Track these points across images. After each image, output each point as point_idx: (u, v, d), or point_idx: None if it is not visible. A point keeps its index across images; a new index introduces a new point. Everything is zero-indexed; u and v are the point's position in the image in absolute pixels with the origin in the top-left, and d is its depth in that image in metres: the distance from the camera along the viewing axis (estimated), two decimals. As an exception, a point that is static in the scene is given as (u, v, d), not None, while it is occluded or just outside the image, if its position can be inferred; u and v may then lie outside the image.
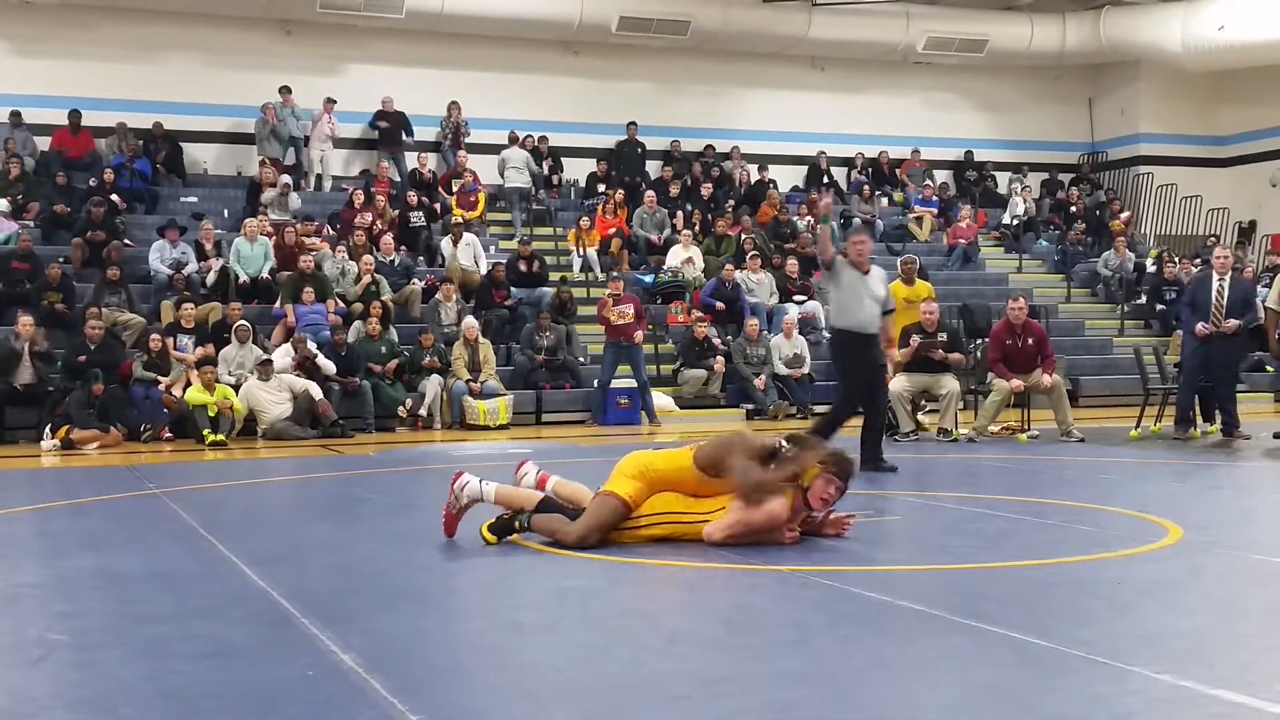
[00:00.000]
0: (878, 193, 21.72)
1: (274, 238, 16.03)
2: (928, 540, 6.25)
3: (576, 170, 20.81)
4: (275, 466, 10.90)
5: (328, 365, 13.74)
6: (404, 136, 19.37)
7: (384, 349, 14.45)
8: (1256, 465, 9.95)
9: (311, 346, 13.89)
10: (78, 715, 3.40)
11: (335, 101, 18.88)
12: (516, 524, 5.87)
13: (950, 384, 11.97)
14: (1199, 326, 11.63)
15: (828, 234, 9.29)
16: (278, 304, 15.04)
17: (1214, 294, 11.71)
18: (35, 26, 18.32)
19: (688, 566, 5.45)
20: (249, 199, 17.76)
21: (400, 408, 14.06)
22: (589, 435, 13.67)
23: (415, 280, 16.39)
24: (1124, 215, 22.15)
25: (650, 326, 16.08)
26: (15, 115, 17.71)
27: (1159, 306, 19.16)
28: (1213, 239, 21.73)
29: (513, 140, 19.73)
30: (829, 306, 9.46)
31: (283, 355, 13.82)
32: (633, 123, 20.62)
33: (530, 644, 4.20)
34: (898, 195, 22.05)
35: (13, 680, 3.78)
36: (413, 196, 17.99)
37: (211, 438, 12.43)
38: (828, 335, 9.85)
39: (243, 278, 15.46)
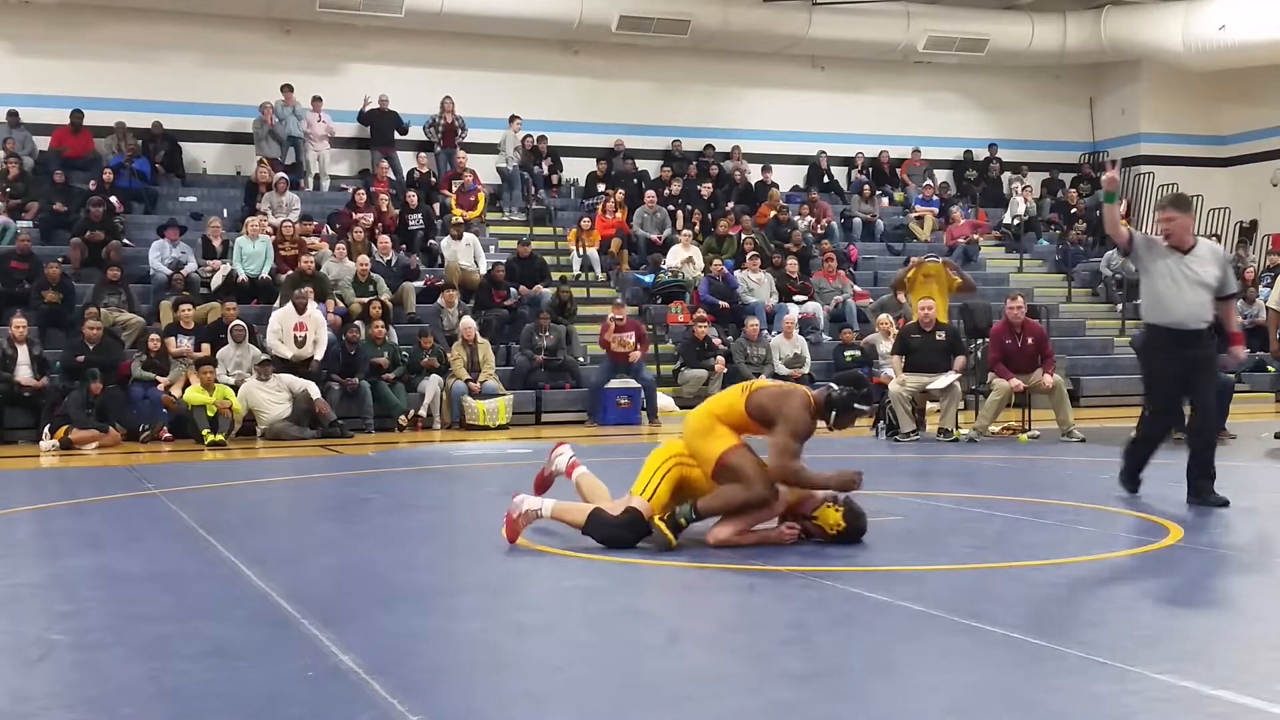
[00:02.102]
0: (878, 192, 21.71)
1: (273, 236, 16.02)
2: (928, 540, 6.24)
3: (576, 170, 20.80)
4: (275, 466, 10.89)
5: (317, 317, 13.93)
6: (395, 135, 19.28)
7: (385, 352, 14.43)
8: (1256, 465, 9.94)
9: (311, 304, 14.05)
10: (78, 715, 3.40)
11: (321, 99, 18.85)
12: (682, 521, 5.77)
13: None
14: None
15: (1113, 212, 7.57)
16: (277, 303, 15.02)
17: None
18: (35, 26, 18.29)
19: (688, 566, 5.45)
20: (247, 199, 17.74)
21: (402, 417, 14.04)
22: (589, 435, 13.67)
23: (409, 281, 16.33)
24: (1121, 205, 22.10)
25: (650, 327, 16.13)
26: (14, 115, 17.69)
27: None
28: (1213, 239, 21.75)
29: (509, 121, 19.61)
30: (1140, 300, 7.68)
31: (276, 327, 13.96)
32: (619, 142, 20.64)
33: (530, 644, 4.20)
34: (898, 195, 22.04)
35: (13, 680, 3.78)
36: (412, 197, 17.95)
37: (210, 438, 12.42)
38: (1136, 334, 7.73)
39: (242, 276, 15.45)
